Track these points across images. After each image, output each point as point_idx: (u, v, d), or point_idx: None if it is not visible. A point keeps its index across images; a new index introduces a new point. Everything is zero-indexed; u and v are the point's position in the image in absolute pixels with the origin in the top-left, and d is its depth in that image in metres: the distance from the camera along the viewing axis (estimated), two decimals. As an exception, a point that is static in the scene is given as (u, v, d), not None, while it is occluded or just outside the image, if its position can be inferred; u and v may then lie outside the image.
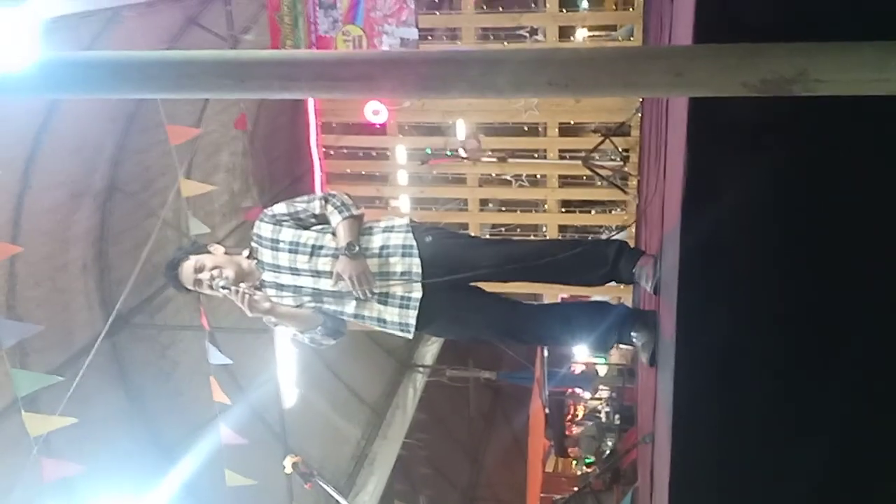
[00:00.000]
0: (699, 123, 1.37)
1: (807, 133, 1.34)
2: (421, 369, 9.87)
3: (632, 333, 2.46)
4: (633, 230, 4.77)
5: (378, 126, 5.34)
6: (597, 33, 6.34)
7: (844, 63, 1.13)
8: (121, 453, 5.18)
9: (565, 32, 5.45)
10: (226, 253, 2.57)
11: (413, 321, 2.49)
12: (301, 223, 2.53)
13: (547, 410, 9.51)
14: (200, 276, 2.49)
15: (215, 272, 2.48)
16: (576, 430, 11.59)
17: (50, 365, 4.64)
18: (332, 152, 5.60)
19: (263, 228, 2.53)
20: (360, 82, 1.29)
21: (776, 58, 1.14)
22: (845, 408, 1.46)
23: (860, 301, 1.40)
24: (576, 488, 7.60)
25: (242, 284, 2.47)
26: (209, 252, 2.55)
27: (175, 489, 5.15)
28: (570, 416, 11.97)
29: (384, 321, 2.52)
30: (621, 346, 2.65)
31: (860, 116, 1.25)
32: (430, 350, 10.13)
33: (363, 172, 5.75)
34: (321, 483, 3.33)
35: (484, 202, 5.80)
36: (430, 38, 5.26)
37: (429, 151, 5.28)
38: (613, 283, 2.73)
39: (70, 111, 4.42)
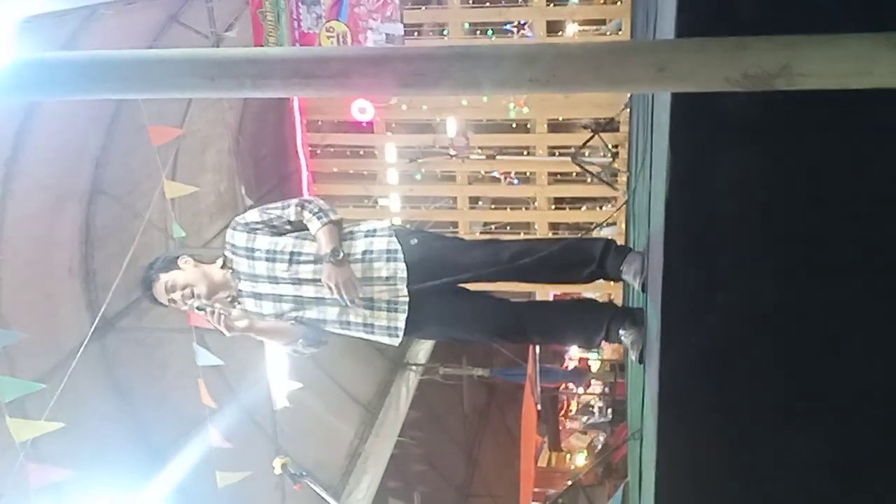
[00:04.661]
0: (682, 119, 1.34)
1: (791, 128, 1.32)
2: (414, 367, 9.85)
3: (620, 331, 2.44)
4: (623, 226, 4.76)
5: (365, 124, 5.31)
6: (586, 27, 6.31)
7: (828, 56, 1.11)
8: (111, 457, 5.14)
9: (554, 27, 5.43)
10: (196, 265, 2.50)
11: (402, 325, 2.45)
12: (275, 230, 2.47)
13: (539, 406, 9.52)
14: (173, 295, 2.45)
15: (186, 291, 2.43)
16: (569, 424, 11.63)
17: (38, 369, 4.59)
18: (318, 151, 5.57)
19: (237, 237, 2.47)
20: (336, 80, 1.26)
21: (759, 51, 1.12)
22: (831, 404, 1.45)
23: (847, 298, 1.38)
24: (569, 482, 7.61)
25: (217, 304, 2.41)
26: (179, 268, 2.48)
27: (166, 491, 5.12)
28: (563, 412, 12.01)
29: (371, 326, 2.48)
30: (610, 343, 2.64)
31: (844, 110, 1.23)
32: (423, 348, 10.10)
33: (351, 171, 5.72)
34: (310, 483, 3.30)
35: (474, 200, 5.77)
36: (416, 34, 5.23)
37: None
38: (602, 281, 2.71)
39: (50, 113, 4.35)
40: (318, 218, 2.40)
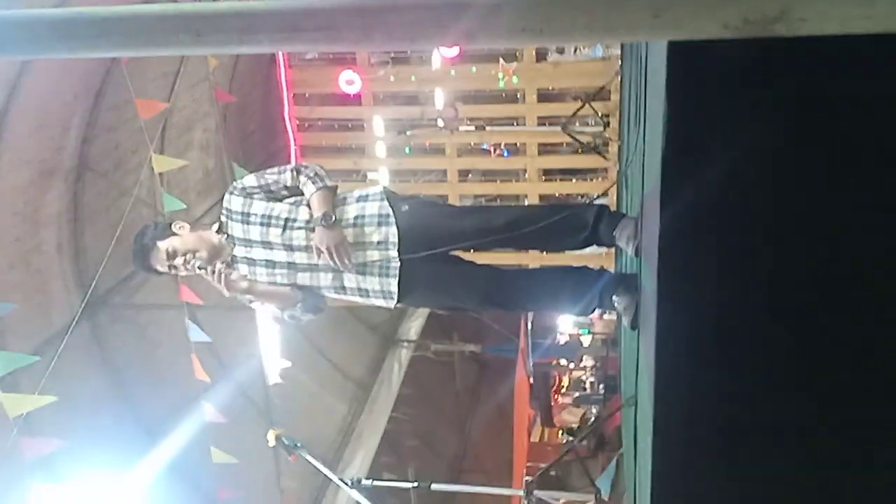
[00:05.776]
0: (679, 70, 1.31)
1: (795, 80, 1.28)
2: (405, 344, 9.87)
3: (613, 297, 2.44)
4: (614, 197, 4.75)
5: (352, 96, 5.25)
6: None
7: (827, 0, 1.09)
8: (104, 434, 5.14)
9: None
10: (192, 230, 2.50)
11: (395, 288, 2.44)
12: (272, 195, 2.46)
13: (531, 381, 9.59)
14: (175, 261, 2.45)
15: (188, 255, 2.43)
16: (561, 400, 11.72)
17: (28, 347, 4.57)
18: (306, 125, 5.51)
19: (234, 202, 2.46)
20: (324, 32, 1.22)
21: (757, -5, 1.09)
22: (830, 372, 1.43)
23: (854, 258, 1.36)
24: (562, 453, 7.67)
25: (218, 264, 2.42)
26: (175, 234, 2.48)
27: (160, 467, 5.13)
28: (555, 387, 12.09)
29: (366, 291, 2.48)
30: (604, 310, 2.63)
31: (848, 56, 1.21)
32: (415, 325, 10.12)
33: (339, 145, 5.67)
34: (304, 455, 3.31)
35: (464, 172, 5.74)
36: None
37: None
38: (595, 248, 2.70)
39: (33, 88, 4.28)
40: (314, 182, 2.40)
